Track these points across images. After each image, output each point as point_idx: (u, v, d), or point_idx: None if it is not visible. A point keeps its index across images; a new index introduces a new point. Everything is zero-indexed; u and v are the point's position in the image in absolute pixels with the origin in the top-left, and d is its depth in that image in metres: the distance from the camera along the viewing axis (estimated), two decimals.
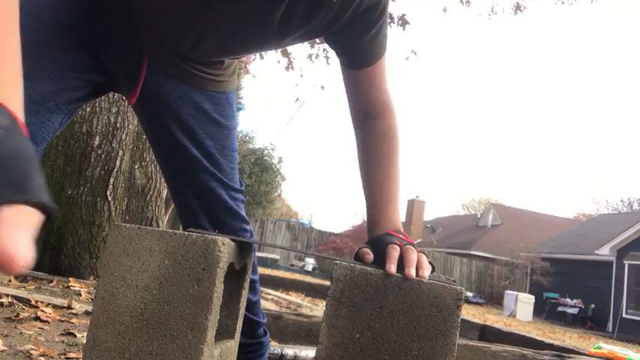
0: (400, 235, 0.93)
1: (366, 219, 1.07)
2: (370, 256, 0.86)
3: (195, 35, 1.00)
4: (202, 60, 1.13)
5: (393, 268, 0.79)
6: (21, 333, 1.65)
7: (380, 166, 1.06)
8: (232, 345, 1.02)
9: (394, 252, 0.83)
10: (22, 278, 2.67)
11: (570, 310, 15.97)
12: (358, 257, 0.88)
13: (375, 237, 0.94)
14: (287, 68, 7.52)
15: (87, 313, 2.08)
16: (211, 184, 1.17)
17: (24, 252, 0.40)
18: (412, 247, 0.85)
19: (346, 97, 1.12)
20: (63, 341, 1.64)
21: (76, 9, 0.98)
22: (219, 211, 1.18)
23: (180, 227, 1.22)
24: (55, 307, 2.08)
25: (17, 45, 0.51)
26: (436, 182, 70.15)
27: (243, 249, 0.94)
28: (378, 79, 1.08)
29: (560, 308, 16.30)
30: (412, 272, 0.79)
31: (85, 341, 1.24)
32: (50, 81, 0.95)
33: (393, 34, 6.21)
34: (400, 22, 5.91)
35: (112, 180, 3.17)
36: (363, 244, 0.92)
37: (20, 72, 0.51)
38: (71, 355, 1.49)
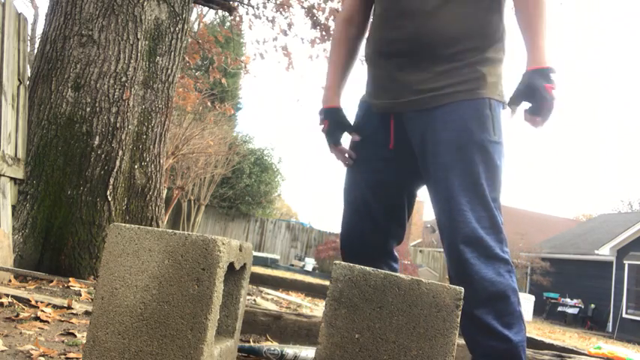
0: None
1: None
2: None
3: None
4: None
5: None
6: (21, 333, 1.65)
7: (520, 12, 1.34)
8: (232, 345, 1.02)
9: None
10: (22, 278, 2.67)
11: (570, 310, 15.95)
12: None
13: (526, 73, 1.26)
14: (287, 68, 7.51)
15: (87, 313, 2.08)
16: None
17: None
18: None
19: None
20: (63, 341, 1.65)
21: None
22: None
23: (181, 227, 1.22)
24: (55, 307, 2.08)
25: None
26: None
27: (243, 249, 0.94)
28: None
29: (560, 308, 16.28)
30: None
31: (85, 341, 1.24)
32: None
33: None
34: None
35: (111, 180, 3.17)
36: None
37: None
38: (71, 355, 1.49)
